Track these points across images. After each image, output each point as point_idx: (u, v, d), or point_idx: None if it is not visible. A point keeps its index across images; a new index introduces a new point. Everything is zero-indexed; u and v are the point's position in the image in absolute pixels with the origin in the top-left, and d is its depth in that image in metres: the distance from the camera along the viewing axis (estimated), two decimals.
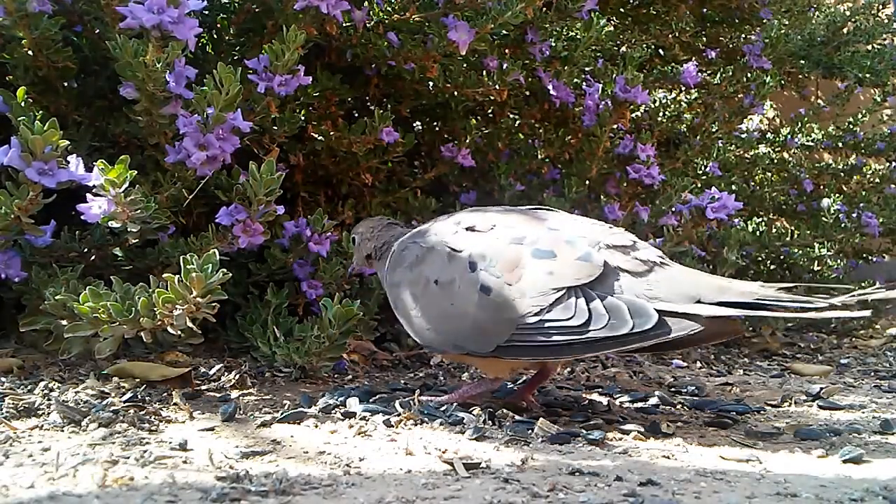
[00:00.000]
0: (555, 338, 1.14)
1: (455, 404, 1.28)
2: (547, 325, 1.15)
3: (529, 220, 1.26)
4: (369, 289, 1.74)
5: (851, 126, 3.18)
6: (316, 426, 1.19)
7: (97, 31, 1.59)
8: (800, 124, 3.11)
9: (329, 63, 1.85)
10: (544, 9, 1.91)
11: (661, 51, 2.62)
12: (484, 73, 1.90)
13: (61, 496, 0.82)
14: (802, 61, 2.93)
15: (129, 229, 1.33)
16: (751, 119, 3.05)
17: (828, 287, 1.15)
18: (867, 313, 1.12)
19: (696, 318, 1.12)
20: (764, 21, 2.53)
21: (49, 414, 1.16)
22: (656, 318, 1.11)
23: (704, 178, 2.54)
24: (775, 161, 3.11)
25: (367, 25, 1.80)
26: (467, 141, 2.02)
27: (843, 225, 2.54)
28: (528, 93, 2.15)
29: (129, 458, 0.96)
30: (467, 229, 1.27)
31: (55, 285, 1.33)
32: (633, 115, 2.34)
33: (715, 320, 1.12)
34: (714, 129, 2.43)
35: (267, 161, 1.40)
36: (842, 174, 3.22)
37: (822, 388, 1.66)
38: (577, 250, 1.18)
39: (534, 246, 1.20)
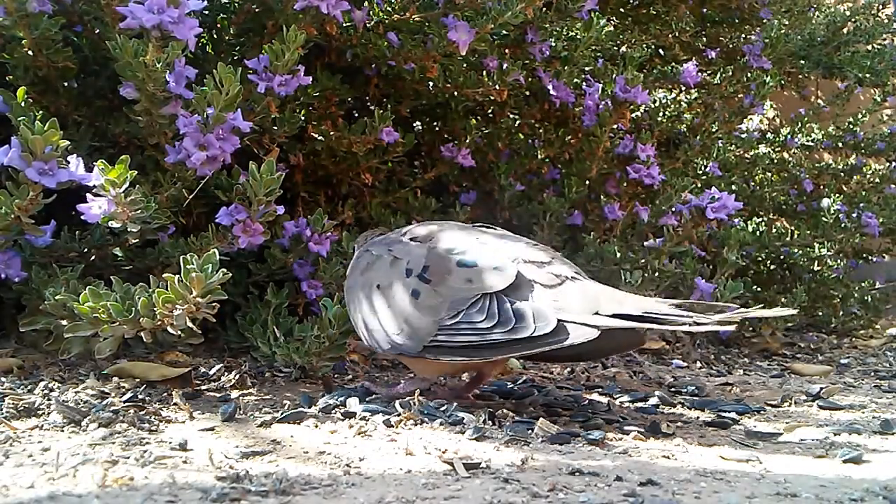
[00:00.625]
0: (470, 338, 1.23)
1: (455, 404, 1.28)
2: (463, 326, 1.24)
3: (466, 235, 1.37)
4: None
5: (851, 126, 3.18)
6: (316, 426, 1.20)
7: (97, 31, 1.59)
8: (800, 124, 3.11)
9: (329, 63, 1.85)
10: (544, 9, 1.91)
11: (661, 51, 2.62)
12: (484, 73, 1.90)
13: (61, 496, 0.82)
14: (802, 61, 2.93)
15: (129, 229, 1.33)
16: (751, 119, 3.05)
17: (717, 305, 1.25)
18: (731, 328, 1.21)
19: (593, 327, 1.19)
20: (764, 21, 2.53)
21: (49, 414, 1.16)
22: (555, 323, 1.19)
23: (704, 178, 2.54)
24: (775, 161, 3.11)
25: (367, 25, 1.80)
26: (467, 141, 2.02)
27: (843, 225, 2.54)
28: (528, 93, 2.15)
29: (129, 458, 0.96)
30: (411, 240, 1.37)
31: (55, 285, 1.33)
32: (633, 115, 2.34)
33: (610, 331, 1.20)
34: (714, 129, 2.43)
35: (267, 161, 1.40)
36: (842, 174, 3.22)
37: (822, 388, 1.66)
38: (495, 261, 1.28)
39: (461, 256, 1.30)
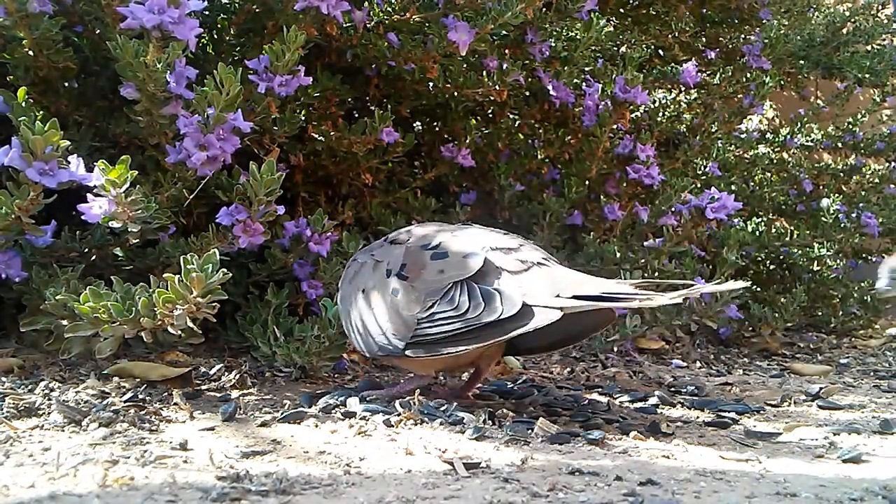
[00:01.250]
0: (444, 328, 1.23)
1: (455, 404, 1.28)
2: (437, 316, 1.24)
3: (442, 231, 1.37)
4: None
5: (851, 126, 3.18)
6: (316, 426, 1.20)
7: (98, 31, 1.59)
8: (799, 124, 3.11)
9: (329, 63, 1.85)
10: (544, 9, 1.91)
11: (660, 51, 2.62)
12: (484, 73, 1.90)
13: (62, 496, 0.83)
14: (802, 62, 2.93)
15: (129, 229, 1.33)
16: (750, 119, 3.05)
17: (678, 283, 1.33)
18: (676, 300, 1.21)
19: (555, 309, 1.20)
20: (763, 21, 2.53)
21: (49, 414, 1.16)
22: (520, 305, 1.20)
23: (704, 178, 2.54)
24: (775, 161, 3.11)
25: (368, 26, 1.80)
26: (467, 141, 2.02)
27: (842, 225, 2.54)
28: (528, 93, 2.15)
29: (129, 457, 0.96)
30: (391, 242, 1.38)
31: (56, 285, 1.33)
32: (633, 115, 2.33)
33: (574, 312, 1.22)
34: (714, 130, 2.43)
35: (267, 161, 1.40)
36: (841, 174, 3.22)
37: (821, 388, 1.66)
38: (465, 250, 1.29)
39: (434, 250, 1.31)
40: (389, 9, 1.82)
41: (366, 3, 1.79)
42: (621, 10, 2.50)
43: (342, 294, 1.41)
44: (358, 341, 1.34)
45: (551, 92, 2.08)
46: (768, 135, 3.15)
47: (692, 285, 1.28)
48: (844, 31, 3.00)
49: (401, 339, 1.26)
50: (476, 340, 1.22)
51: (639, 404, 1.51)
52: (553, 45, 2.10)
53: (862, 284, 2.78)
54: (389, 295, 1.29)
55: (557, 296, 1.22)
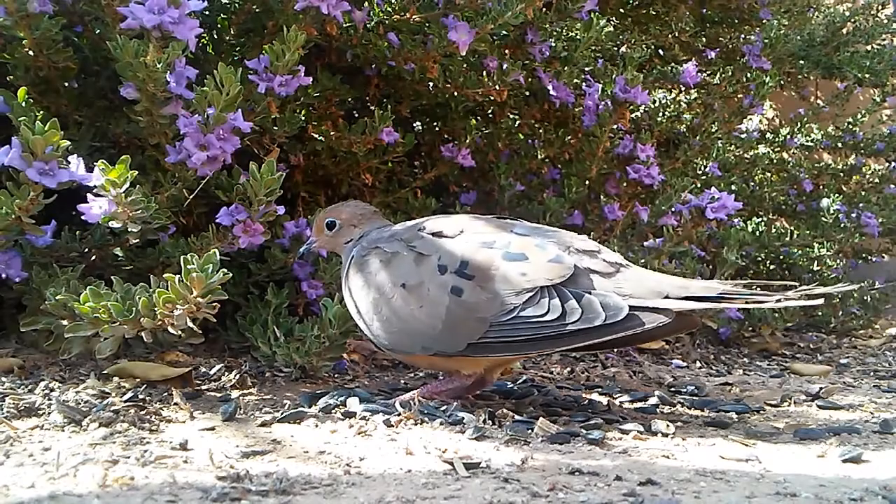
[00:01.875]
0: (529, 332, 1.21)
1: (456, 404, 1.28)
2: (521, 322, 1.21)
3: (496, 227, 1.34)
4: None
5: (851, 126, 3.18)
6: (316, 426, 1.20)
7: (98, 31, 1.59)
8: (799, 124, 3.11)
9: (329, 63, 1.85)
10: (544, 9, 1.91)
11: (660, 51, 2.62)
12: (484, 73, 1.90)
13: (62, 496, 0.83)
14: (802, 61, 2.92)
15: (129, 229, 1.33)
16: (750, 119, 3.05)
17: (771, 283, 1.36)
18: (818, 302, 1.26)
19: (666, 311, 1.21)
20: (763, 21, 2.53)
21: (50, 414, 1.16)
22: (627, 310, 1.20)
23: (704, 178, 2.54)
24: (775, 161, 3.11)
25: (368, 26, 1.80)
26: (467, 141, 2.02)
27: (842, 225, 2.54)
28: (528, 93, 2.15)
29: (129, 457, 0.96)
30: (434, 234, 1.32)
31: (56, 285, 1.33)
32: (633, 115, 2.33)
33: (680, 314, 1.23)
34: (714, 130, 2.43)
35: (267, 161, 1.40)
36: (841, 174, 3.22)
37: (821, 388, 1.66)
38: (547, 253, 1.26)
39: (505, 250, 1.27)
40: (389, 9, 1.82)
41: (366, 3, 1.79)
42: (621, 10, 2.50)
43: (357, 283, 1.35)
44: (385, 337, 1.30)
45: (551, 92, 2.08)
46: (768, 135, 3.15)
47: (794, 286, 1.27)
48: (844, 31, 3.00)
49: (461, 340, 1.24)
50: (567, 342, 1.22)
51: (639, 404, 1.51)
52: (553, 45, 2.10)
53: (862, 284, 2.78)
54: (448, 293, 1.24)
55: (666, 297, 1.22)
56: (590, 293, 1.21)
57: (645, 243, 2.05)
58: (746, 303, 1.24)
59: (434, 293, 1.26)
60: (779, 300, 1.23)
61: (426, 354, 1.29)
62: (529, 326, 1.21)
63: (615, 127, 2.09)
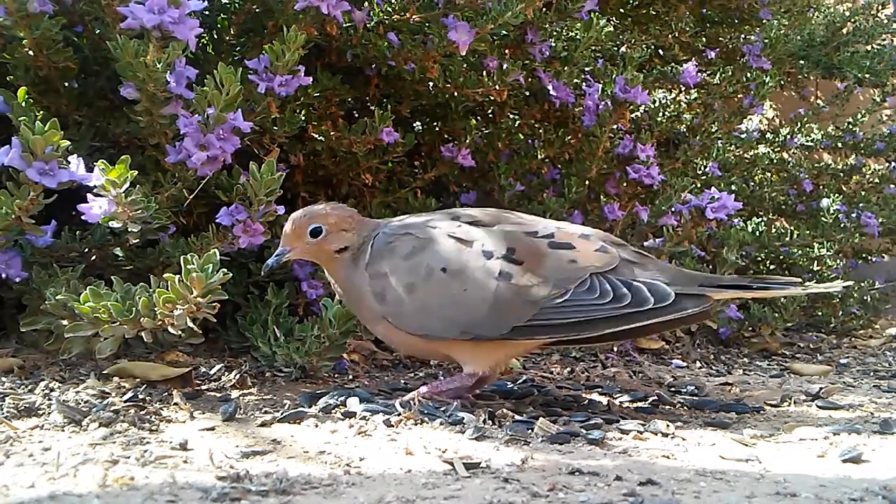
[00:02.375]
0: (581, 315, 1.29)
1: (456, 404, 1.28)
2: (573, 305, 1.29)
3: (530, 219, 1.41)
4: None
5: (851, 126, 3.18)
6: (316, 426, 1.20)
7: (98, 31, 1.59)
8: (799, 124, 3.11)
9: (329, 63, 1.85)
10: (544, 9, 1.91)
11: (660, 51, 2.61)
12: (484, 73, 1.90)
13: (62, 496, 0.83)
14: (802, 61, 2.92)
15: (129, 229, 1.33)
16: (750, 119, 3.05)
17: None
18: (841, 285, 1.45)
19: (707, 297, 1.32)
20: (763, 21, 2.53)
21: (50, 414, 1.16)
22: (674, 296, 1.29)
23: (704, 178, 2.54)
24: (775, 161, 3.10)
25: (368, 26, 1.80)
26: (467, 141, 2.02)
27: (842, 225, 2.54)
28: (528, 93, 2.15)
29: (129, 457, 0.96)
30: (471, 223, 1.36)
31: (56, 285, 1.33)
32: (633, 115, 2.33)
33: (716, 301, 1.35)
34: (714, 129, 2.43)
35: (267, 161, 1.40)
36: (841, 174, 3.21)
37: (821, 388, 1.66)
38: (592, 243, 1.35)
39: (549, 239, 1.33)
40: (389, 9, 1.82)
41: (366, 3, 1.79)
42: (621, 10, 2.50)
43: (383, 269, 1.33)
44: (419, 321, 1.31)
45: (551, 92, 2.08)
46: (768, 135, 3.15)
47: (798, 282, 1.38)
48: (844, 31, 2.99)
49: (506, 324, 1.29)
50: (617, 324, 1.30)
51: (639, 404, 1.51)
52: (553, 45, 2.09)
53: (862, 284, 2.78)
54: (496, 278, 1.28)
55: (700, 285, 1.32)
56: (635, 280, 1.31)
57: (645, 243, 2.05)
58: (773, 290, 1.38)
59: (480, 277, 1.29)
60: (805, 286, 1.37)
61: (464, 339, 1.31)
62: (581, 309, 1.28)
63: (615, 127, 2.09)
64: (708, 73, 2.59)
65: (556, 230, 1.36)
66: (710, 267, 2.18)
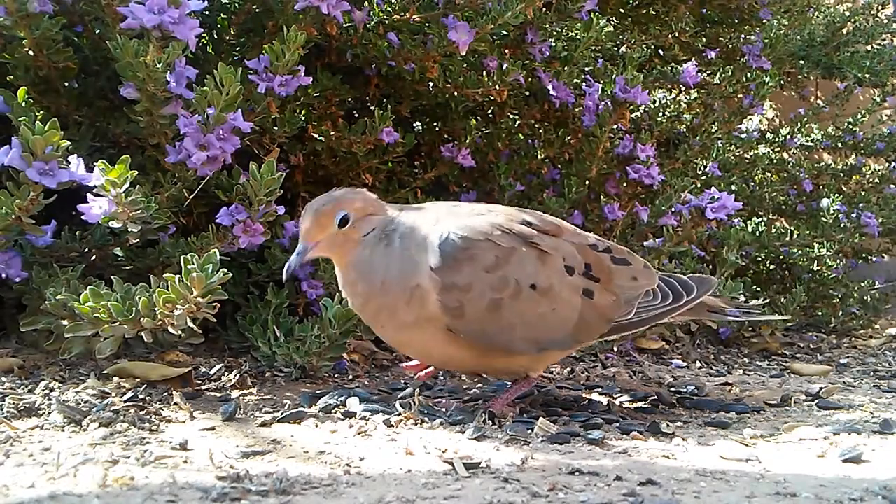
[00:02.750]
0: (639, 318, 1.37)
1: (455, 404, 1.28)
2: (630, 317, 1.36)
3: (576, 231, 1.40)
4: None
5: (851, 126, 3.17)
6: (316, 426, 1.20)
7: (98, 31, 1.59)
8: (799, 124, 3.11)
9: (329, 63, 1.85)
10: (544, 9, 1.91)
11: (660, 51, 2.61)
12: (484, 73, 1.90)
13: (62, 496, 0.83)
14: (802, 61, 2.92)
15: (129, 229, 1.33)
16: (750, 119, 3.05)
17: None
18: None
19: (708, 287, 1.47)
20: (763, 21, 2.53)
21: (49, 414, 1.16)
22: (696, 290, 1.43)
23: (704, 178, 2.54)
24: (775, 161, 3.10)
25: (368, 26, 1.80)
26: (467, 141, 2.02)
27: (842, 225, 2.54)
28: (528, 93, 2.15)
29: (129, 457, 0.96)
30: (530, 225, 1.29)
31: (56, 285, 1.33)
32: (633, 115, 2.33)
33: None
34: (714, 129, 2.43)
35: (267, 161, 1.40)
36: (841, 174, 3.21)
37: (821, 388, 1.66)
38: (638, 262, 1.40)
39: (609, 254, 1.35)
40: (389, 9, 1.82)
41: (366, 3, 1.79)
42: (621, 10, 2.50)
43: (465, 281, 1.20)
44: (500, 338, 1.23)
45: (551, 92, 2.08)
46: (768, 135, 3.15)
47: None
48: (844, 31, 2.99)
49: (589, 338, 1.35)
50: (661, 317, 1.41)
51: (639, 404, 1.51)
52: (553, 45, 2.09)
53: (862, 284, 2.78)
54: (581, 296, 1.28)
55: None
56: (667, 280, 1.42)
57: (645, 243, 2.05)
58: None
59: (566, 296, 1.27)
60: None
61: (534, 352, 1.29)
62: (641, 314, 1.37)
63: (615, 127, 2.09)
64: (708, 73, 2.59)
65: (609, 244, 1.38)
66: (710, 267, 2.18)
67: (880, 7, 3.26)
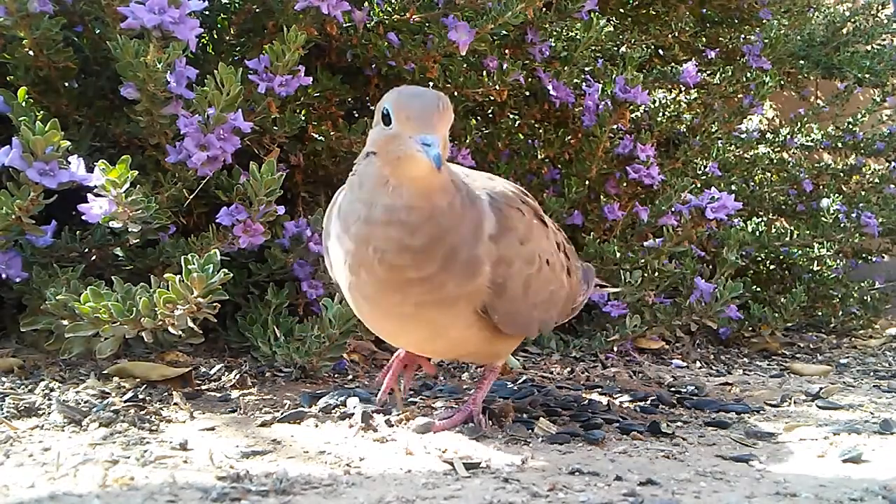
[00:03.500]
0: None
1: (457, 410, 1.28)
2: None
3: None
4: None
5: (851, 126, 3.17)
6: (316, 426, 1.20)
7: (98, 31, 1.59)
8: (799, 124, 3.11)
9: (329, 63, 1.85)
10: (544, 9, 1.91)
11: (660, 51, 2.62)
12: (484, 73, 1.90)
13: (62, 496, 0.83)
14: (802, 61, 2.93)
15: (129, 229, 1.33)
16: (750, 119, 3.05)
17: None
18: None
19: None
20: (763, 21, 2.53)
21: (50, 414, 1.16)
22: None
23: (704, 178, 2.54)
24: (775, 161, 3.10)
25: (368, 26, 1.80)
26: (467, 141, 2.02)
27: (842, 225, 2.54)
28: (528, 93, 2.15)
29: (129, 457, 0.96)
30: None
31: (56, 285, 1.33)
32: (633, 115, 2.33)
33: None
34: (714, 129, 2.43)
35: (267, 161, 1.40)
36: (841, 174, 3.21)
37: (821, 388, 1.66)
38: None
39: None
40: (389, 9, 1.83)
41: (366, 3, 1.79)
42: (621, 10, 2.50)
43: (511, 254, 1.04)
44: (522, 320, 1.12)
45: (551, 92, 2.08)
46: (768, 135, 3.15)
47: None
48: (844, 31, 3.00)
49: (560, 319, 1.31)
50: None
51: (639, 404, 1.51)
52: (553, 45, 2.10)
53: (862, 284, 2.78)
54: (566, 274, 1.24)
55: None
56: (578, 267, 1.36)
57: (645, 243, 2.05)
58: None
59: (559, 273, 1.17)
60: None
61: (524, 335, 1.22)
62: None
63: (615, 127, 2.09)
64: (708, 73, 2.59)
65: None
66: (710, 267, 2.18)
67: (880, 7, 3.26)
